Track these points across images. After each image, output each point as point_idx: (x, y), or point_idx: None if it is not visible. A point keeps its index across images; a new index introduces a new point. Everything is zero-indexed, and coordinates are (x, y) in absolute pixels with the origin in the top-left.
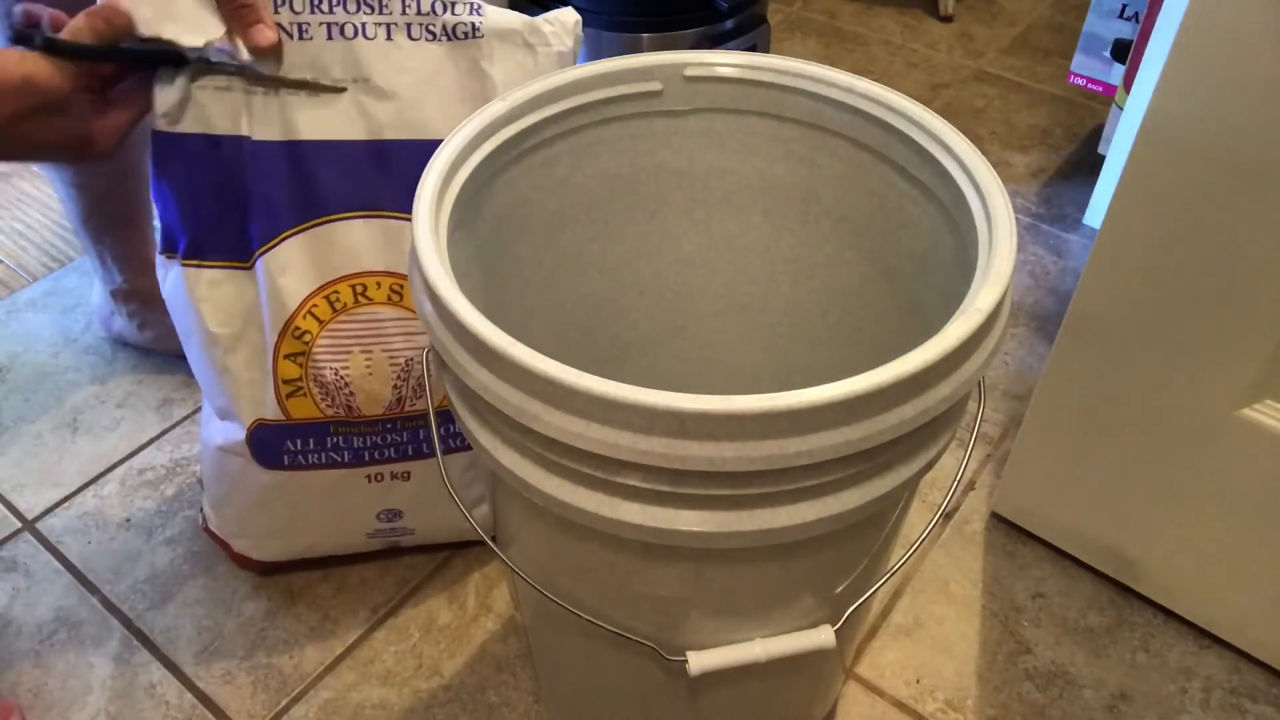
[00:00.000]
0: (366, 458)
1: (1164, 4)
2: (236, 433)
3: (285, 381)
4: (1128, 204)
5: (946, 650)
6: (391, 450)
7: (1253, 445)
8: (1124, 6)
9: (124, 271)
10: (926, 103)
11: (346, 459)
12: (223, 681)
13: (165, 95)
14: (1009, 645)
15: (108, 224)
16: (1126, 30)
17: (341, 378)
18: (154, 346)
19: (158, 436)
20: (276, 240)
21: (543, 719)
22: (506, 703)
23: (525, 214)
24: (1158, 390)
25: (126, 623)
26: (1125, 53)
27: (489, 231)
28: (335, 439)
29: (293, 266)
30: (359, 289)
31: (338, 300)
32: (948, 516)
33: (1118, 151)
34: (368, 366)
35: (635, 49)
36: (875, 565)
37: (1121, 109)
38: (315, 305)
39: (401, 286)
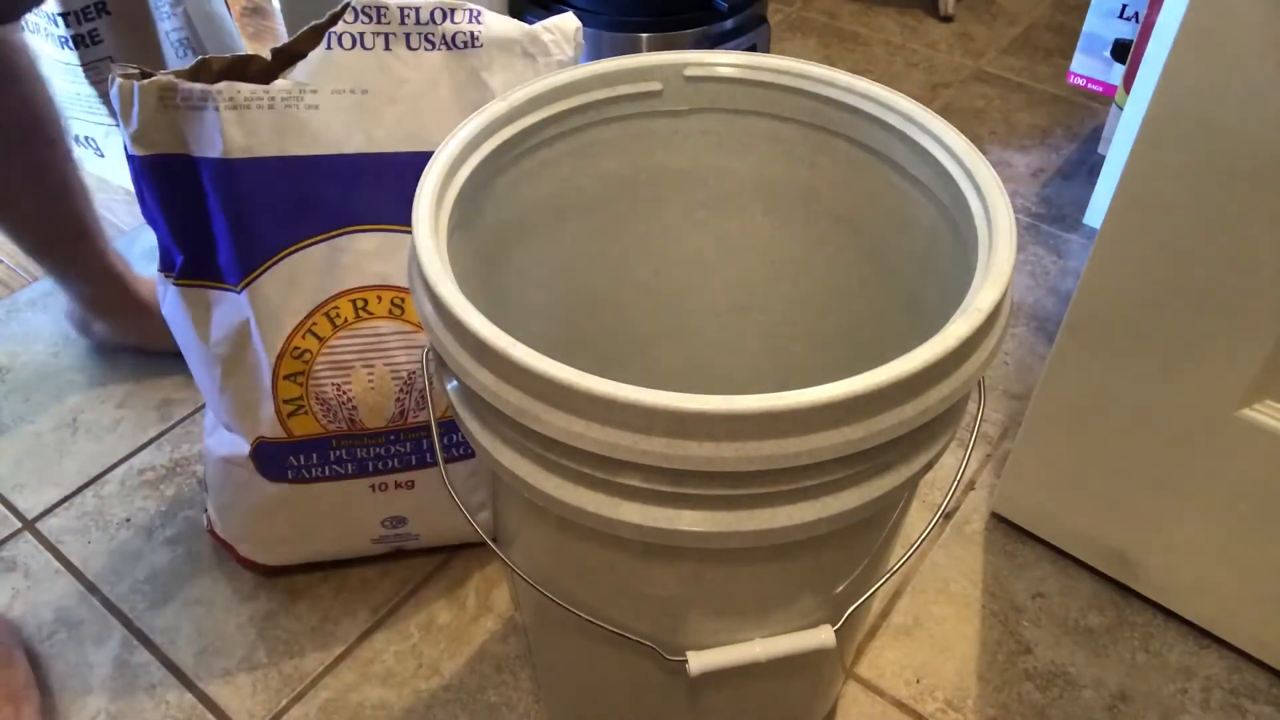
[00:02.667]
0: (370, 469)
1: (1164, 4)
2: (240, 446)
3: (286, 401)
4: (1128, 204)
5: (946, 650)
6: (395, 461)
7: (1253, 445)
8: (1124, 6)
9: (90, 286)
10: (926, 103)
11: (350, 470)
12: (223, 681)
13: (133, 117)
14: (1009, 645)
15: (58, 259)
16: (1126, 30)
17: (344, 393)
18: (146, 346)
19: (158, 436)
20: (270, 262)
21: (543, 719)
22: (506, 703)
23: (525, 214)
24: (1158, 390)
25: (126, 623)
26: (1125, 53)
27: (489, 231)
28: (338, 452)
29: (291, 286)
30: (360, 304)
31: (338, 316)
32: (948, 516)
33: (1118, 151)
34: (370, 381)
35: (635, 49)
36: (875, 565)
37: (1121, 109)
38: (315, 323)
39: (403, 300)
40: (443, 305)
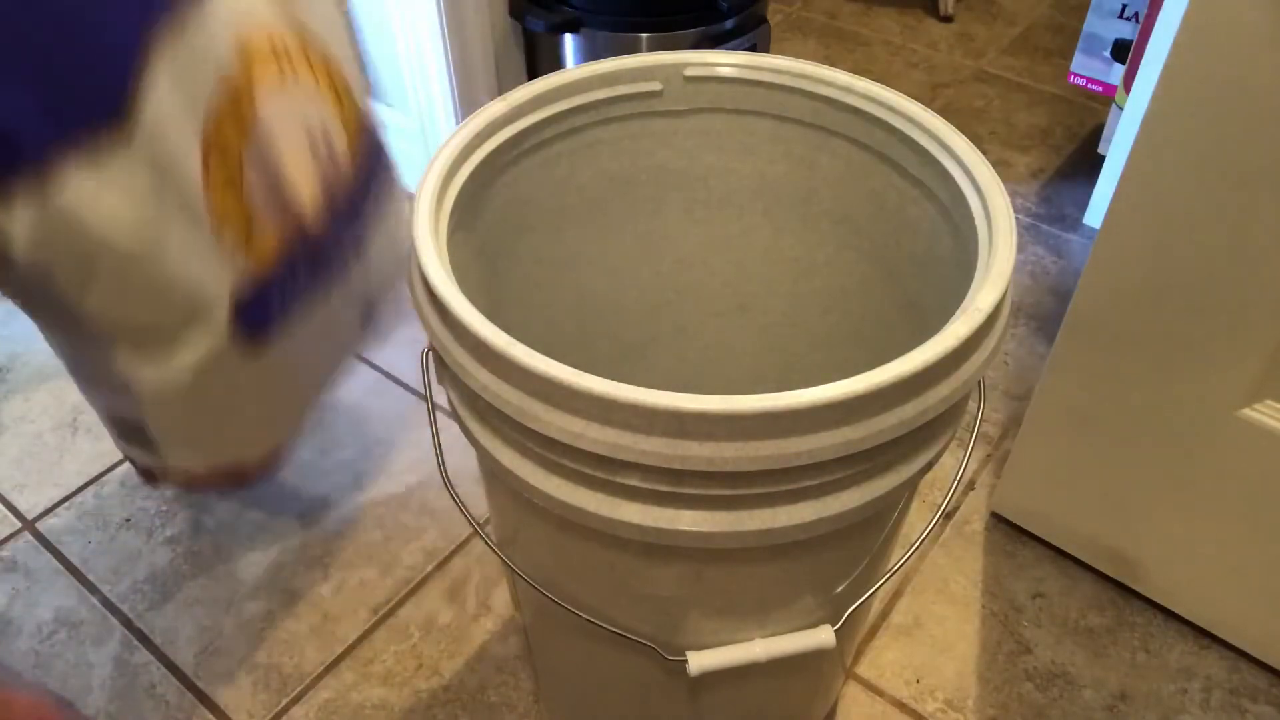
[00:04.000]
0: (335, 269)
1: (1164, 4)
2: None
3: (227, 221)
4: (1128, 204)
5: (946, 650)
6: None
7: (1253, 445)
8: (1124, 6)
9: None
10: (926, 103)
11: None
12: (223, 681)
13: None
14: (1009, 645)
15: None
16: (1126, 30)
17: (273, 169)
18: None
19: None
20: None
21: (543, 719)
22: (506, 703)
23: (525, 214)
24: (1158, 390)
25: (126, 623)
26: (1125, 53)
27: (489, 232)
28: (302, 265)
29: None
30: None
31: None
32: (948, 516)
33: (1118, 151)
34: (295, 156)
35: (635, 49)
36: (875, 565)
37: (1121, 109)
38: (220, 129)
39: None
40: (443, 305)
